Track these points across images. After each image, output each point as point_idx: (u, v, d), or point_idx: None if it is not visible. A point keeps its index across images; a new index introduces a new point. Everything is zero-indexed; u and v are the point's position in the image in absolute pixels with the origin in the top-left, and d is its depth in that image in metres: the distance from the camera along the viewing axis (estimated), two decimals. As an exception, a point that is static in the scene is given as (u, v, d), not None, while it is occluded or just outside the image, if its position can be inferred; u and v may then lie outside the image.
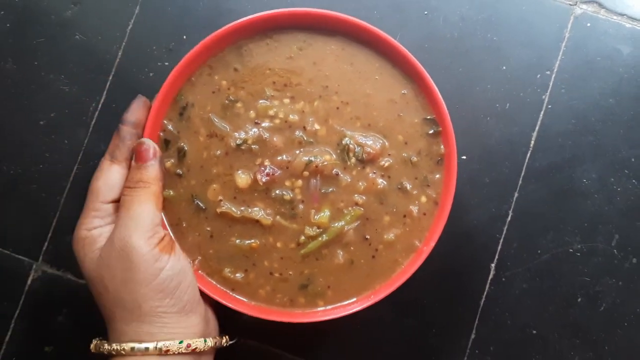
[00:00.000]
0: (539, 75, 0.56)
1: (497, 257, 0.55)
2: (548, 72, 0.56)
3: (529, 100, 0.56)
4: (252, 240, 0.50)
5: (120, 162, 0.48)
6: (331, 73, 0.51)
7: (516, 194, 0.56)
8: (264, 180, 0.50)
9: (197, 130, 0.50)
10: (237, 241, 0.50)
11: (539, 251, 0.55)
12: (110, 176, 0.47)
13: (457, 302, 0.55)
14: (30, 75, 0.56)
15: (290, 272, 0.50)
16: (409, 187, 0.50)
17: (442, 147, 0.50)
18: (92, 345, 0.46)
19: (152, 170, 0.47)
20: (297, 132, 0.50)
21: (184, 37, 0.56)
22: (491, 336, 0.55)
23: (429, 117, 0.50)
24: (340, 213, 0.50)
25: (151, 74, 0.56)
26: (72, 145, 0.56)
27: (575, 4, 0.57)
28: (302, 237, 0.50)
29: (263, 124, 0.50)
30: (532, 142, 0.56)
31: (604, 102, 0.56)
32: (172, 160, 0.50)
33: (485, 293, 0.55)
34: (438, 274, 0.55)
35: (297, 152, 0.50)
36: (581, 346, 0.54)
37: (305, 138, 0.50)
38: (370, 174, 0.50)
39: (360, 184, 0.50)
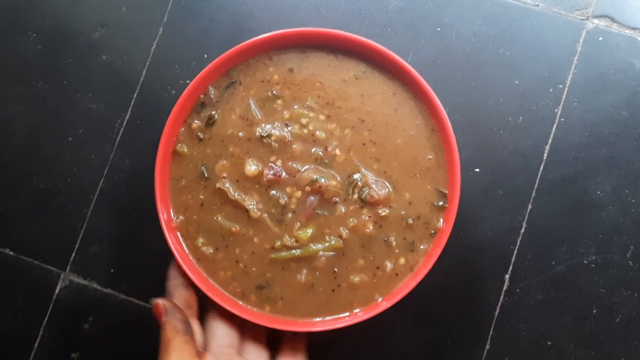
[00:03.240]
0: (551, 89, 0.57)
1: (511, 268, 0.56)
2: (560, 86, 0.57)
3: (542, 114, 0.57)
4: (235, 225, 0.52)
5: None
6: (373, 110, 0.52)
7: (530, 206, 0.56)
8: (269, 177, 0.51)
9: (233, 107, 0.53)
10: (221, 220, 0.52)
11: (553, 262, 0.55)
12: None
13: (471, 313, 0.56)
14: (59, 94, 0.59)
15: (254, 269, 0.52)
16: (394, 243, 0.51)
17: (441, 222, 0.51)
18: None
19: (167, 329, 0.47)
20: (317, 149, 0.52)
21: (205, 55, 0.59)
22: (506, 347, 0.55)
23: (442, 190, 0.51)
24: (321, 237, 0.51)
25: (173, 92, 0.58)
26: (99, 160, 0.58)
27: (587, 19, 0.58)
28: (278, 243, 0.51)
29: (291, 128, 0.52)
30: (545, 154, 0.56)
31: (617, 115, 0.56)
32: (200, 123, 0.53)
33: (499, 304, 0.55)
34: (452, 284, 0.56)
35: (310, 166, 0.52)
36: (597, 358, 0.54)
37: (322, 157, 0.52)
38: (365, 216, 0.51)
39: (351, 220, 0.51)
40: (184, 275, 0.51)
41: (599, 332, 0.55)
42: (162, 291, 0.56)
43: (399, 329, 0.56)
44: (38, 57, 0.60)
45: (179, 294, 0.50)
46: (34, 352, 0.57)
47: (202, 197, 0.52)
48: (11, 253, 0.58)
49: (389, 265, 0.51)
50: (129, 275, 0.57)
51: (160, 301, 0.48)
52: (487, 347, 0.55)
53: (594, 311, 0.55)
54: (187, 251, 0.52)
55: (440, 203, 0.51)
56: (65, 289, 0.57)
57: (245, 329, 0.51)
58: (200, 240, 0.52)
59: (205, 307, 0.52)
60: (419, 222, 0.51)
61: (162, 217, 0.51)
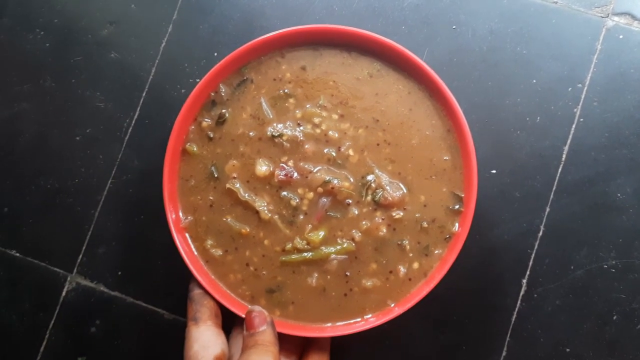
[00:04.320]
0: (570, 88, 0.56)
1: (528, 272, 0.54)
2: (580, 85, 0.56)
3: (560, 114, 0.55)
4: (245, 227, 0.50)
5: (205, 322, 0.48)
6: (388, 110, 0.51)
7: (548, 209, 0.55)
8: (280, 177, 0.50)
9: (244, 106, 0.52)
10: (231, 221, 0.51)
11: (572, 267, 0.54)
12: (201, 337, 0.48)
13: (487, 318, 0.54)
14: (67, 92, 0.58)
15: (265, 272, 0.50)
16: (408, 247, 0.50)
17: (457, 226, 0.50)
18: None
19: (267, 334, 0.46)
20: (330, 149, 0.51)
21: (215, 54, 0.57)
22: (523, 354, 0.54)
23: (458, 194, 0.50)
24: (333, 240, 0.50)
25: (183, 90, 0.57)
26: (107, 159, 0.57)
27: (607, 16, 0.56)
28: (289, 245, 0.50)
29: (304, 127, 0.51)
30: (564, 155, 0.55)
31: (638, 115, 0.55)
32: (210, 122, 0.52)
33: (516, 309, 0.54)
34: (468, 288, 0.54)
35: (322, 167, 0.51)
36: (617, 365, 0.53)
37: (335, 157, 0.51)
38: (378, 219, 0.50)
39: (364, 222, 0.50)
40: (203, 287, 0.50)
41: (619, 338, 0.53)
42: (169, 293, 0.55)
43: (414, 333, 0.55)
44: (46, 54, 0.59)
45: (207, 303, 0.49)
46: (40, 356, 0.56)
47: (211, 197, 0.51)
48: (18, 254, 0.57)
49: (402, 269, 0.50)
50: (137, 277, 0.56)
51: (262, 310, 0.47)
52: (504, 353, 0.54)
53: (614, 317, 0.53)
54: (195, 253, 0.51)
55: (457, 207, 0.50)
56: (72, 291, 0.57)
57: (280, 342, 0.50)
58: (209, 242, 0.51)
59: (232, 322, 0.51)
60: (433, 225, 0.50)
61: (170, 217, 0.50)
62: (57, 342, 0.56)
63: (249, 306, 0.49)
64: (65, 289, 0.57)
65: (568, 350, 0.53)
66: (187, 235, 0.51)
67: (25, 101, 0.58)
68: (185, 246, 0.50)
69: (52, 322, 0.56)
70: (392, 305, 0.50)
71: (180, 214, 0.51)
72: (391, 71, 0.51)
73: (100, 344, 0.56)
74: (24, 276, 0.57)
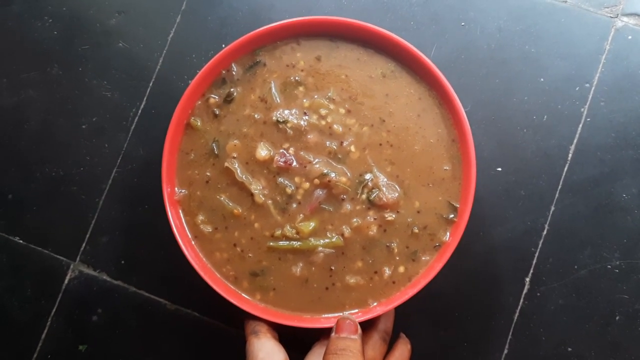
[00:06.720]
0: (577, 88, 0.55)
1: (532, 271, 0.54)
2: (587, 85, 0.55)
3: (567, 113, 0.55)
4: (237, 207, 0.51)
5: (265, 334, 0.49)
6: (396, 112, 0.51)
7: (553, 208, 0.55)
8: (279, 163, 0.50)
9: (253, 88, 0.52)
10: (225, 200, 0.51)
11: (575, 267, 0.54)
12: (264, 347, 0.48)
13: (489, 316, 0.54)
14: (74, 80, 0.58)
15: (251, 255, 0.50)
16: (396, 250, 0.50)
17: (448, 236, 0.50)
18: None
19: (357, 344, 0.46)
20: (332, 143, 0.51)
21: (223, 45, 0.57)
22: (524, 352, 0.53)
23: (453, 204, 0.50)
24: (323, 233, 0.50)
25: (190, 81, 0.57)
26: (112, 149, 0.57)
27: (617, 17, 0.56)
28: (279, 232, 0.50)
29: (309, 117, 0.51)
30: (570, 155, 0.55)
31: (645, 116, 0.55)
32: (217, 99, 0.52)
33: (519, 308, 0.54)
34: (470, 286, 0.54)
35: (322, 159, 0.51)
36: (619, 366, 0.53)
37: (336, 151, 0.51)
38: (370, 218, 0.50)
39: (355, 220, 0.50)
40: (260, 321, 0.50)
41: (622, 339, 0.53)
42: (172, 283, 0.55)
43: (416, 330, 0.54)
44: (54, 42, 0.59)
45: (265, 322, 0.49)
46: (41, 343, 0.56)
47: (208, 174, 0.51)
48: (21, 241, 0.57)
49: (387, 271, 0.50)
50: (140, 267, 0.56)
51: (354, 320, 0.47)
52: (505, 351, 0.54)
53: (617, 318, 0.53)
54: (185, 227, 0.51)
55: (450, 216, 0.50)
56: (74, 279, 0.56)
57: None
58: (201, 217, 0.51)
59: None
60: (424, 232, 0.50)
61: (166, 189, 0.50)
62: (58, 330, 0.56)
63: (342, 314, 0.49)
64: (67, 277, 0.57)
65: (570, 349, 0.53)
66: (179, 209, 0.51)
67: (31, 89, 0.58)
68: (177, 220, 0.51)
69: (54, 310, 0.56)
70: (374, 304, 0.50)
71: (176, 188, 0.51)
72: (405, 74, 0.51)
73: (102, 333, 0.56)
74: (26, 263, 0.57)
